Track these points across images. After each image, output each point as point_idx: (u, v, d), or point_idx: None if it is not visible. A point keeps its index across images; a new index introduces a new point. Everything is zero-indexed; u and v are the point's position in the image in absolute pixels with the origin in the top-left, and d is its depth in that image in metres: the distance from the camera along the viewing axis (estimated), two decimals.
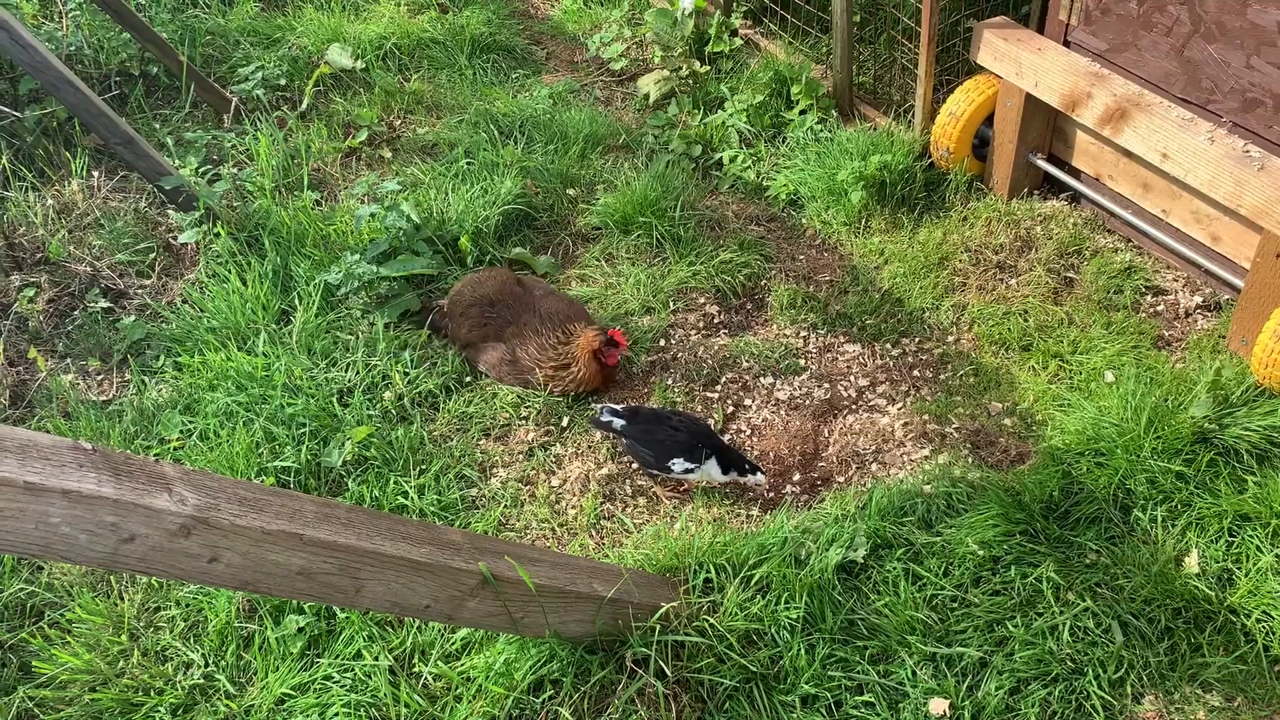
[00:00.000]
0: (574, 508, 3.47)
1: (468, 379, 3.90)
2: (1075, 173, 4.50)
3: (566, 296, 4.09)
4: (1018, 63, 4.28)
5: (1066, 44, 4.29)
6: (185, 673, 2.95)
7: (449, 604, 2.39)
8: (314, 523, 2.13)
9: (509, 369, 3.82)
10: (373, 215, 4.24)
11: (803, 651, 2.81)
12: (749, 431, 3.77)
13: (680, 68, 5.50)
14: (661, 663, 2.70)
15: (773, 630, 2.84)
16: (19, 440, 1.79)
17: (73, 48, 5.42)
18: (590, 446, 3.66)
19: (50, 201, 4.63)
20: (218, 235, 4.29)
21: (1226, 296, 4.03)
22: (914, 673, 2.82)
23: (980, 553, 3.09)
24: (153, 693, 2.87)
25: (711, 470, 3.42)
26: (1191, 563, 3.08)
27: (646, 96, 5.58)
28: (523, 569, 2.43)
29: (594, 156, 5.07)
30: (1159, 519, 3.17)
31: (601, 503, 3.47)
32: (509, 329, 3.82)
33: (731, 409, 3.84)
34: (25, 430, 1.83)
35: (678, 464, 3.42)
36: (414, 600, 2.33)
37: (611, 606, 2.67)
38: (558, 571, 2.60)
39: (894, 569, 3.04)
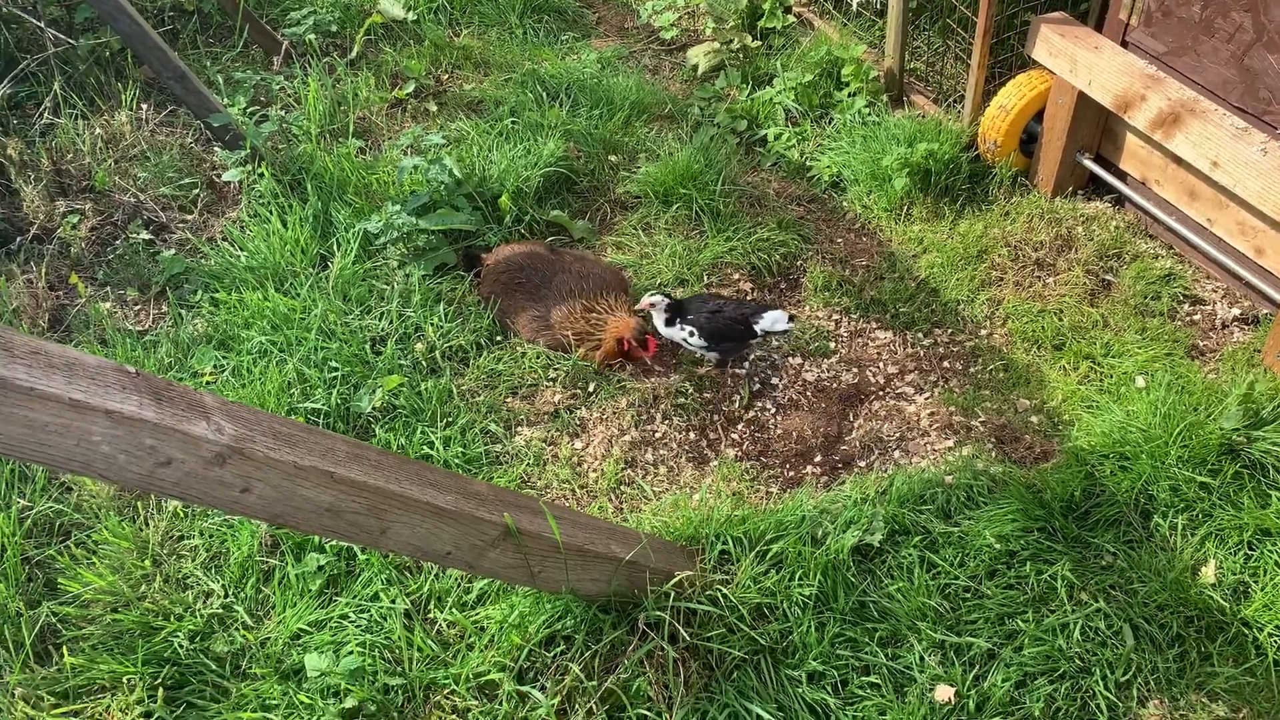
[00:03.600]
0: (595, 471, 3.50)
1: (498, 337, 3.93)
2: (1121, 175, 4.46)
3: (603, 262, 4.11)
4: (1073, 60, 4.24)
5: (1124, 44, 4.24)
6: (205, 601, 3.01)
7: (470, 552, 2.42)
8: (345, 462, 2.17)
9: (541, 328, 3.85)
10: (415, 168, 4.26)
11: (813, 629, 2.84)
12: (774, 410, 3.78)
13: (731, 40, 5.47)
14: (674, 628, 2.73)
15: (784, 606, 2.86)
16: (66, 358, 1.83)
17: None
18: (615, 412, 3.69)
19: (99, 131, 4.68)
20: (261, 176, 4.32)
21: (1265, 311, 3.99)
22: (922, 658, 2.84)
23: (997, 546, 3.09)
24: (172, 618, 2.93)
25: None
26: (1208, 573, 3.08)
27: (695, 67, 5.56)
28: (554, 523, 2.47)
29: (638, 124, 5.06)
30: (1179, 527, 3.17)
31: (623, 468, 3.50)
32: (541, 290, 3.85)
33: (758, 386, 3.85)
34: (72, 349, 1.87)
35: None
36: (437, 546, 2.36)
37: (628, 569, 2.70)
38: (577, 530, 2.63)
39: (910, 555, 3.05)
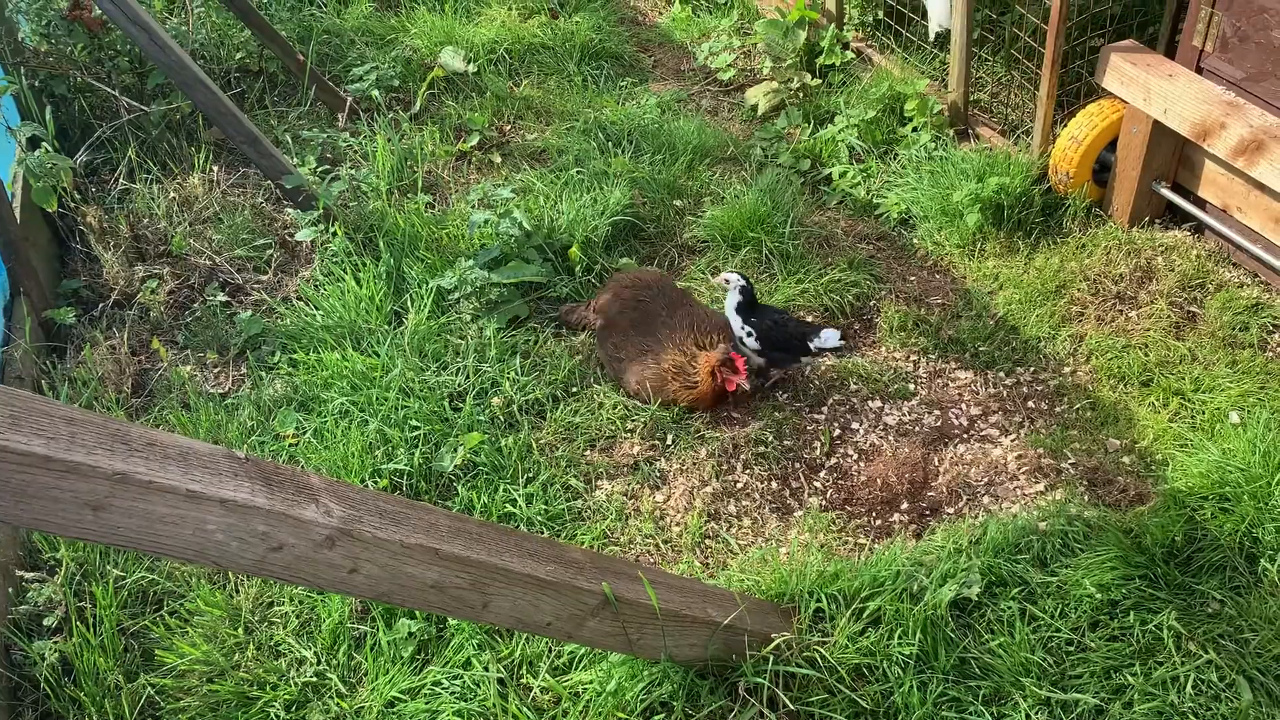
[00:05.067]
0: (678, 525, 3.46)
1: (574, 389, 3.92)
2: (1200, 203, 4.36)
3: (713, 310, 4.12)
4: (1146, 88, 4.16)
5: (1199, 70, 4.16)
6: (298, 669, 3.00)
7: (570, 623, 2.40)
8: (448, 537, 2.16)
9: (652, 371, 3.81)
10: (486, 221, 4.28)
11: (915, 689, 2.77)
12: (856, 456, 3.72)
13: (791, 80, 5.46)
14: (774, 693, 2.68)
15: (884, 665, 2.80)
16: (180, 447, 1.84)
17: (196, 44, 5.57)
18: (695, 463, 3.65)
19: (173, 195, 4.77)
20: (334, 235, 4.37)
21: None
22: (1028, 717, 2.76)
23: (1098, 596, 3.00)
24: (268, 688, 2.93)
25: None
26: None
27: (754, 108, 5.56)
28: (651, 591, 2.44)
29: (701, 168, 5.05)
30: None
31: (706, 521, 3.46)
32: (660, 320, 3.86)
33: (839, 431, 3.80)
34: (183, 437, 1.88)
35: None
36: (537, 618, 2.34)
37: (725, 632, 2.66)
38: (674, 594, 2.60)
39: (1009, 608, 2.97)
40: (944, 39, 5.28)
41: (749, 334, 3.84)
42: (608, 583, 2.42)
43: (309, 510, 1.93)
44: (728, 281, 3.89)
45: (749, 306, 3.87)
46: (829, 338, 3.79)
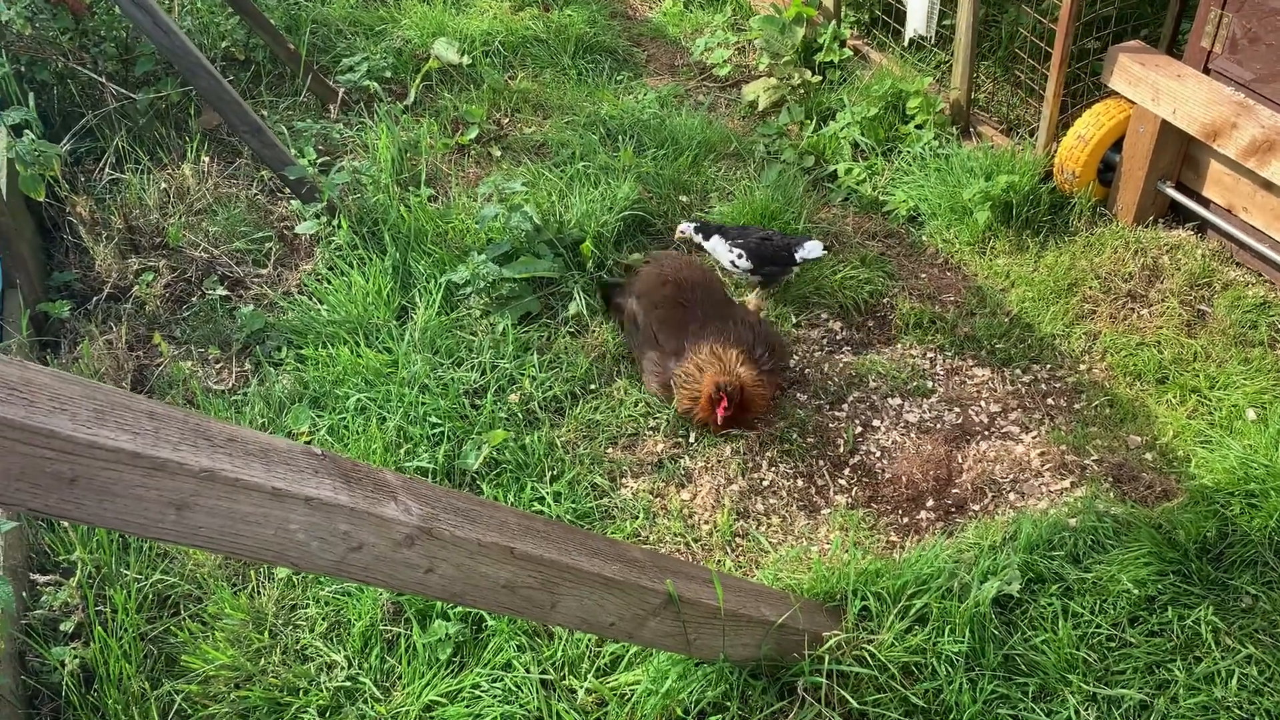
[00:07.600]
0: (707, 524, 3.41)
1: (593, 386, 3.85)
2: (1205, 202, 4.41)
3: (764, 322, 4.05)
4: (1155, 89, 4.19)
5: (1206, 71, 4.20)
6: (329, 674, 2.91)
7: (632, 622, 2.34)
8: (520, 535, 2.09)
9: (656, 369, 3.74)
10: (496, 216, 4.20)
11: (965, 686, 2.75)
12: (879, 453, 3.70)
13: (790, 76, 5.43)
14: (830, 691, 2.64)
15: (933, 663, 2.78)
16: (260, 443, 1.76)
17: (183, 30, 5.40)
18: (720, 461, 3.61)
19: (164, 185, 4.61)
20: (338, 228, 4.25)
21: None
22: (1078, 712, 2.75)
23: (1135, 591, 3.01)
24: (300, 693, 2.83)
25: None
26: None
27: (753, 104, 5.52)
28: (720, 589, 2.38)
29: (705, 163, 5.01)
30: None
31: (735, 520, 3.41)
32: (691, 327, 3.74)
33: (860, 429, 3.78)
34: (261, 433, 1.79)
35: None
36: (602, 618, 2.28)
37: (779, 632, 2.61)
38: (729, 593, 2.55)
39: (1052, 605, 2.96)
40: (924, 41, 5.29)
41: (739, 255, 4.07)
42: (670, 581, 2.36)
43: (389, 508, 1.85)
44: (682, 234, 4.23)
45: (718, 230, 4.15)
46: (812, 249, 4.07)
